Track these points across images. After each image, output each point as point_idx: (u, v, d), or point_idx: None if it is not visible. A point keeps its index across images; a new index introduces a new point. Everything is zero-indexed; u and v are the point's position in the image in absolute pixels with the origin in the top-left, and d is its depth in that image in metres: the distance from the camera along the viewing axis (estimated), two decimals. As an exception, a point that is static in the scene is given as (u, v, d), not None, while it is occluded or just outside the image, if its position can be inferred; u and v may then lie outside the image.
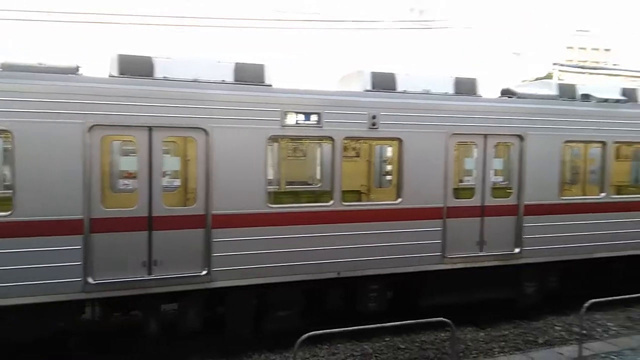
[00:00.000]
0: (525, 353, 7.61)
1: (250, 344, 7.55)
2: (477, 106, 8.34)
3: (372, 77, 8.14)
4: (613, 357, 7.30)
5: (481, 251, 8.36)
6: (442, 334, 8.21)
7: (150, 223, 6.60)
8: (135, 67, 6.80)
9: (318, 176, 9.91)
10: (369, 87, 8.08)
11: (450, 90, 8.53)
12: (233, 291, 7.18)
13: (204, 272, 6.86)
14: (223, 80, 7.15)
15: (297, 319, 7.67)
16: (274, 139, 7.51)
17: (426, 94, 8.26)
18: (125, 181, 8.39)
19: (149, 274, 6.62)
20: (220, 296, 7.28)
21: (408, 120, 7.87)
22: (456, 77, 8.66)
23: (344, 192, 7.70)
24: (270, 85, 7.48)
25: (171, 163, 7.57)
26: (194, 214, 6.83)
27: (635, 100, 9.87)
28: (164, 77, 6.85)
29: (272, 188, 7.97)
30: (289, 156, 10.29)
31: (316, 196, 8.79)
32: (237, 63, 7.36)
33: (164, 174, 7.12)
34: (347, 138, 7.75)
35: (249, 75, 7.34)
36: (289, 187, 9.62)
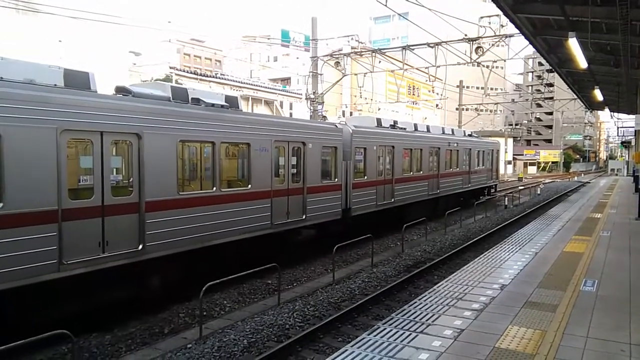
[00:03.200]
0: (152, 346, 7.76)
1: None
2: (92, 102, 7.92)
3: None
4: (228, 330, 8.24)
5: (104, 252, 8.03)
6: (65, 347, 7.49)
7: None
8: None
9: None
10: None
11: (60, 82, 7.82)
12: None
13: None
14: None
15: None
16: None
17: (30, 84, 7.30)
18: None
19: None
20: None
21: (8, 113, 6.77)
22: (66, 69, 8.00)
23: None
24: None
25: None
26: None
27: (237, 107, 11.50)
28: None
29: None
30: None
31: None
32: None
33: None
34: None
35: None
36: None
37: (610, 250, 10.55)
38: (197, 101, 10.24)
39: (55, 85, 7.69)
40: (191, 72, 42.19)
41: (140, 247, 8.62)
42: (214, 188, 10.33)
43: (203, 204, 9.97)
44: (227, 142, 10.83)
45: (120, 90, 9.12)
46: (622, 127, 50.24)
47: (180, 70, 41.28)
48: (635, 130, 22.48)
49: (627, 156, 55.81)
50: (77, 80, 8.09)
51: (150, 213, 8.74)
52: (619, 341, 5.43)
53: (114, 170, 8.63)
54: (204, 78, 40.94)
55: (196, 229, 9.72)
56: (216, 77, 43.84)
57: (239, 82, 45.17)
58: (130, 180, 8.71)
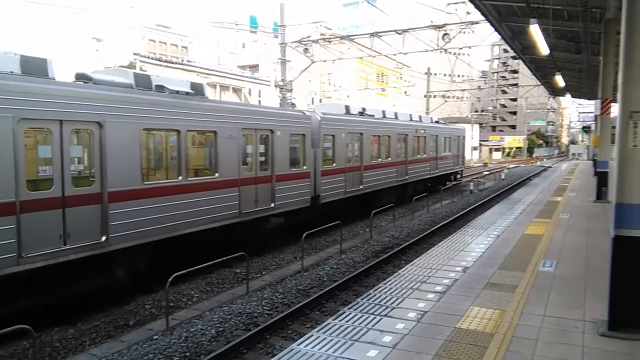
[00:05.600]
0: (117, 338, 7.66)
1: None
2: (50, 89, 7.67)
3: None
4: (195, 320, 8.19)
5: (65, 245, 7.84)
6: (26, 342, 7.32)
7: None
8: None
9: None
10: None
11: (17, 69, 7.55)
12: None
13: None
14: None
15: None
16: None
17: (-16, 71, 7.02)
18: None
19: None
20: None
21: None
22: (23, 56, 7.73)
23: None
24: None
25: None
26: None
27: (203, 94, 11.33)
28: None
29: None
30: None
31: None
32: None
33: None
34: None
35: None
36: None
37: (568, 231, 10.93)
38: (161, 88, 10.04)
39: (11, 72, 7.43)
40: (156, 59, 41.18)
41: (104, 238, 8.45)
42: (180, 177, 10.19)
43: (169, 193, 9.82)
44: (193, 130, 10.67)
45: (81, 77, 8.87)
46: (583, 113, 51.81)
47: (145, 56, 40.21)
48: (595, 116, 23.24)
49: (587, 141, 57.65)
50: (35, 67, 7.82)
51: (113, 204, 8.56)
52: (574, 318, 5.65)
53: (75, 160, 8.43)
54: (169, 65, 40.04)
55: (162, 219, 9.59)
56: (182, 64, 42.94)
57: (206, 69, 44.35)
58: (92, 171, 8.51)
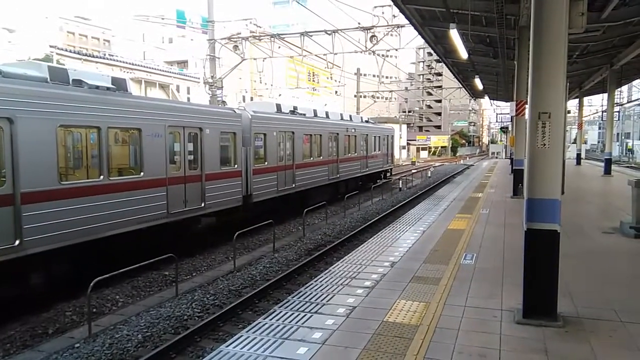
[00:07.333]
0: (34, 348, 7.19)
1: None
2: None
3: None
4: (120, 326, 7.86)
5: (-28, 251, 7.24)
6: None
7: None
8: None
9: None
10: None
11: None
12: None
13: None
14: None
15: None
16: None
17: None
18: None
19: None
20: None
21: None
22: None
23: None
24: None
25: None
26: None
27: (125, 90, 10.86)
28: None
29: None
30: None
31: None
32: None
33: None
34: None
35: None
36: None
37: (488, 226, 11.59)
38: (79, 83, 9.53)
39: None
40: (76, 52, 38.89)
41: (17, 242, 7.90)
42: (102, 176, 9.72)
43: (89, 193, 9.35)
44: (114, 127, 10.21)
45: (-13, 70, 8.21)
46: (501, 114, 55.02)
47: (63, 49, 37.88)
48: (511, 117, 24.77)
49: (505, 140, 61.32)
50: None
51: (27, 205, 8.01)
52: (492, 308, 6.00)
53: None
54: (89, 58, 37.95)
55: (82, 220, 9.11)
56: (104, 58, 40.83)
57: (129, 63, 42.46)
58: (3, 171, 7.92)
